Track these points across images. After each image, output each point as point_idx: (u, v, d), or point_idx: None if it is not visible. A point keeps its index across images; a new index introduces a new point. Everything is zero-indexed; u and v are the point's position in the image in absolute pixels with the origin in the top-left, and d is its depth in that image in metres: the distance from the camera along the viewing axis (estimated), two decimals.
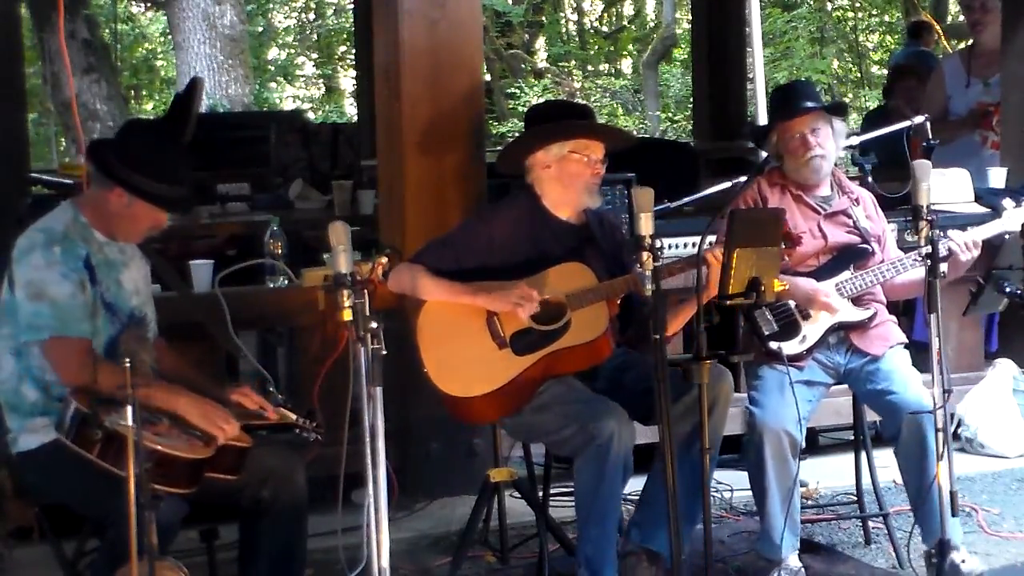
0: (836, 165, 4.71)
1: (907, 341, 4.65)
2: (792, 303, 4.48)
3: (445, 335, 4.20)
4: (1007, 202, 4.69)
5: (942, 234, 4.10)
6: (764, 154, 5.72)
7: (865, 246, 4.56)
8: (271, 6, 21.82)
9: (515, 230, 4.26)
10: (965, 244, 4.41)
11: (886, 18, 20.77)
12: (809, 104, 4.56)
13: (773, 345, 4.45)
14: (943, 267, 4.35)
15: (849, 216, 4.61)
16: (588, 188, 4.26)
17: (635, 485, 4.97)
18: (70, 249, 3.73)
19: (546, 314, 4.14)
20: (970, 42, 7.51)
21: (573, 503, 4.17)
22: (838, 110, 4.66)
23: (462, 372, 4.17)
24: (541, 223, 4.29)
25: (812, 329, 4.50)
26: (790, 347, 4.46)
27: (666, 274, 3.97)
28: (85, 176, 3.96)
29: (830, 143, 4.55)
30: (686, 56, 17.66)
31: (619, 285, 4.16)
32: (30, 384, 3.74)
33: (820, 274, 4.51)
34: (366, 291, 3.37)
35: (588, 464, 4.00)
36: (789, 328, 4.49)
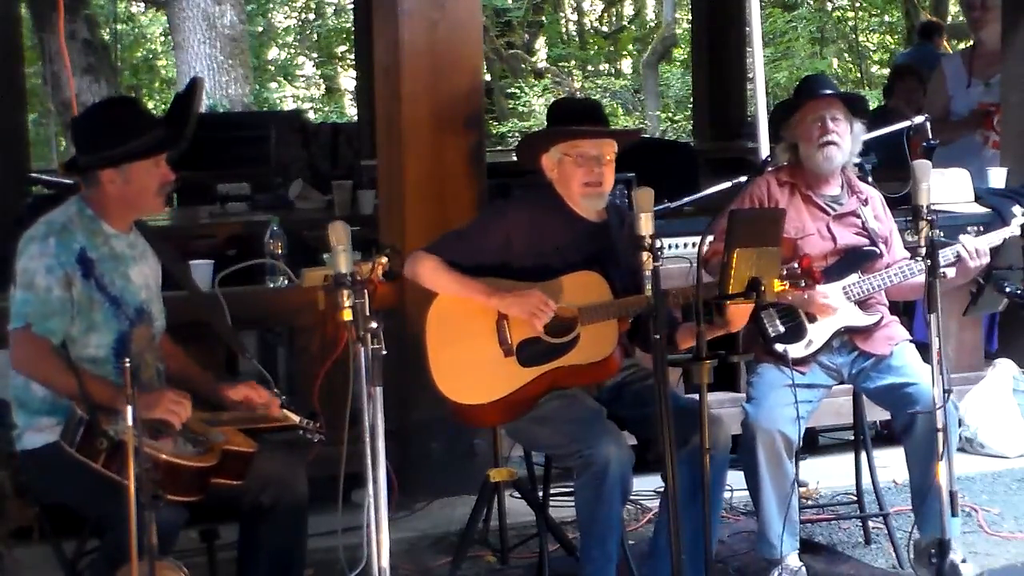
0: None
1: (911, 338, 4.64)
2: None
3: (453, 334, 4.18)
4: (1016, 209, 4.69)
5: (941, 234, 4.09)
6: (764, 154, 5.75)
7: (873, 249, 4.55)
8: (271, 6, 21.81)
9: (536, 227, 4.21)
10: (976, 250, 4.42)
11: (886, 18, 20.77)
12: (834, 91, 4.60)
13: (779, 347, 4.44)
14: (951, 272, 4.36)
15: (858, 217, 4.60)
16: (584, 193, 4.19)
17: (639, 485, 4.98)
18: (65, 242, 3.72)
19: (556, 325, 4.10)
20: (971, 42, 7.52)
21: (573, 503, 4.16)
22: (859, 107, 4.66)
23: (465, 378, 4.15)
24: (562, 220, 4.23)
25: (818, 333, 4.49)
26: (795, 350, 4.45)
27: (672, 303, 3.99)
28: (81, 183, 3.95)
29: (847, 138, 4.54)
30: (686, 56, 17.66)
31: (632, 304, 4.06)
32: (38, 384, 3.74)
33: (827, 276, 4.47)
34: (366, 291, 3.37)
35: (585, 487, 3.99)
36: (795, 331, 4.48)
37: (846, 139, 4.55)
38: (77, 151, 3.87)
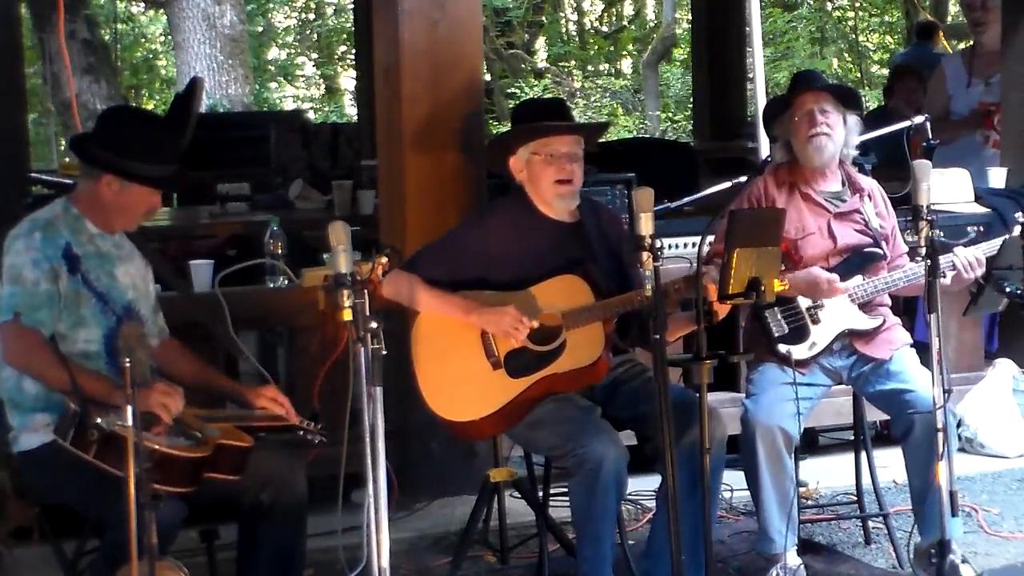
0: None
1: (912, 342, 4.62)
2: (803, 306, 4.46)
3: (439, 350, 4.18)
4: (1020, 216, 4.66)
5: (941, 234, 4.08)
6: (764, 154, 5.75)
7: (876, 250, 4.52)
8: (271, 6, 21.81)
9: (511, 235, 4.21)
10: (968, 263, 4.40)
11: (886, 18, 20.76)
12: (824, 84, 4.58)
13: (782, 348, 4.43)
14: (947, 279, 4.35)
15: (860, 214, 4.56)
16: (556, 191, 4.18)
17: (639, 485, 4.99)
18: (51, 237, 3.75)
19: (541, 333, 4.10)
20: (971, 42, 7.52)
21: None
22: (850, 98, 4.63)
23: (456, 395, 4.15)
24: (536, 225, 4.23)
25: (821, 334, 4.48)
26: (799, 351, 4.44)
27: (671, 301, 3.98)
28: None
29: (839, 129, 4.50)
30: (686, 56, 17.65)
31: (615, 304, 4.08)
32: (30, 378, 3.74)
33: None
34: (366, 291, 3.37)
35: (580, 486, 3.99)
36: (799, 331, 4.47)
37: (837, 130, 4.50)
38: (96, 140, 3.88)
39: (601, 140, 4.88)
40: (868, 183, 4.68)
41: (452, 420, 4.18)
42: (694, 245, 5.13)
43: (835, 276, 4.41)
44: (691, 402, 3.93)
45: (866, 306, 4.51)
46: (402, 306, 4.45)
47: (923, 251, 3.99)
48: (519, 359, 4.11)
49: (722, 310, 3.92)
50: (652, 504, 5.07)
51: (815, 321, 4.47)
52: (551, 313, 4.10)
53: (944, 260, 4.32)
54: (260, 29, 20.95)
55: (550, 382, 4.12)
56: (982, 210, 5.95)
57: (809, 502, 5.28)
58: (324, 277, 3.57)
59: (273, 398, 3.94)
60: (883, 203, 4.66)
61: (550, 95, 18.90)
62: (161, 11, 17.96)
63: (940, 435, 3.97)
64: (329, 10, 22.40)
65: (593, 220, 4.29)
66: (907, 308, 5.40)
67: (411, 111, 5.24)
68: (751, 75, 10.34)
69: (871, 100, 17.63)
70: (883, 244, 4.56)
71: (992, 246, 4.52)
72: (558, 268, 4.15)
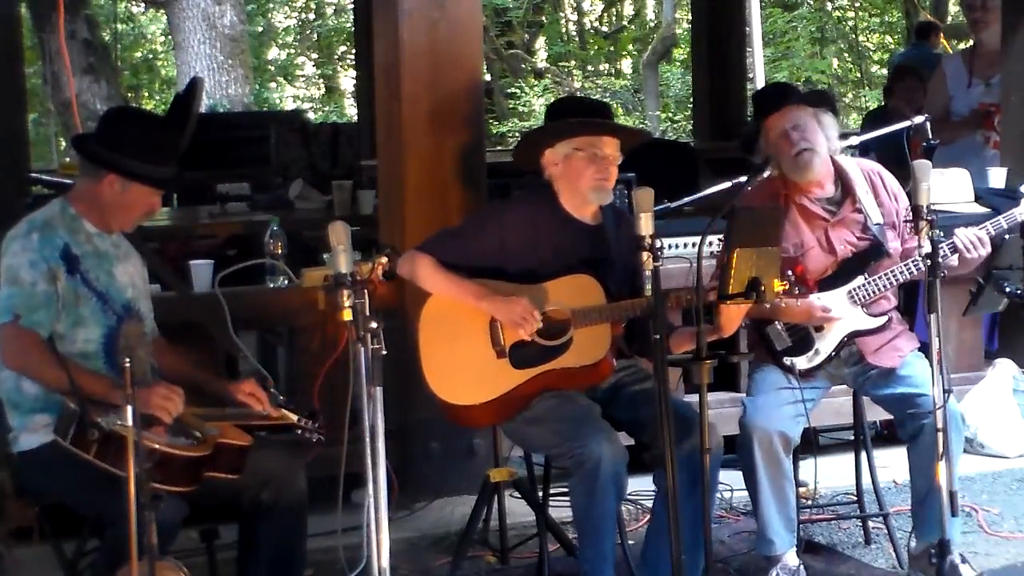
0: None
1: (919, 346, 4.56)
2: None
3: (446, 334, 4.18)
4: None
5: (941, 233, 4.07)
6: None
7: (878, 247, 4.47)
8: (271, 6, 21.83)
9: (530, 228, 4.20)
10: (971, 242, 4.37)
11: (886, 18, 20.78)
12: (785, 100, 4.46)
13: (787, 361, 4.41)
14: (953, 260, 4.33)
15: (859, 213, 4.49)
16: (594, 186, 4.17)
17: (640, 485, 4.98)
18: (48, 238, 3.76)
19: (549, 328, 4.11)
20: (971, 42, 7.52)
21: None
22: (816, 100, 4.55)
23: (457, 378, 4.16)
24: (557, 222, 4.22)
25: (825, 343, 4.45)
26: (802, 362, 4.43)
27: (673, 304, 3.97)
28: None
29: (818, 136, 4.42)
30: (686, 56, 17.66)
31: (626, 308, 4.08)
32: (29, 379, 3.74)
33: (833, 281, 4.43)
34: (366, 291, 3.37)
35: (579, 485, 3.99)
36: (803, 343, 4.44)
37: (817, 139, 4.41)
38: (99, 139, 3.89)
39: None
40: (866, 170, 4.57)
41: (449, 402, 4.18)
42: (694, 245, 5.13)
43: (828, 306, 4.37)
44: (688, 416, 3.95)
45: (869, 306, 4.48)
46: (403, 306, 4.46)
47: (923, 251, 3.98)
48: (524, 351, 4.12)
49: (729, 327, 3.93)
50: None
51: (818, 329, 4.45)
52: (561, 309, 4.11)
53: (946, 244, 4.30)
54: (260, 29, 20.97)
55: (551, 377, 4.12)
56: (982, 210, 5.94)
57: (809, 502, 5.27)
58: (324, 277, 3.57)
59: (251, 393, 3.95)
60: (886, 189, 4.57)
61: (551, 95, 18.94)
62: (161, 11, 17.97)
63: (940, 435, 3.97)
64: (329, 10, 22.41)
65: (613, 225, 4.28)
66: (907, 308, 5.39)
67: (411, 111, 5.24)
68: (751, 75, 10.39)
69: (871, 100, 17.65)
70: (888, 236, 4.47)
71: (998, 223, 4.47)
72: (573, 267, 4.15)
